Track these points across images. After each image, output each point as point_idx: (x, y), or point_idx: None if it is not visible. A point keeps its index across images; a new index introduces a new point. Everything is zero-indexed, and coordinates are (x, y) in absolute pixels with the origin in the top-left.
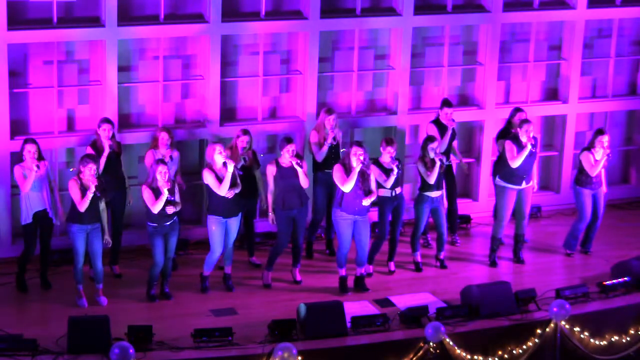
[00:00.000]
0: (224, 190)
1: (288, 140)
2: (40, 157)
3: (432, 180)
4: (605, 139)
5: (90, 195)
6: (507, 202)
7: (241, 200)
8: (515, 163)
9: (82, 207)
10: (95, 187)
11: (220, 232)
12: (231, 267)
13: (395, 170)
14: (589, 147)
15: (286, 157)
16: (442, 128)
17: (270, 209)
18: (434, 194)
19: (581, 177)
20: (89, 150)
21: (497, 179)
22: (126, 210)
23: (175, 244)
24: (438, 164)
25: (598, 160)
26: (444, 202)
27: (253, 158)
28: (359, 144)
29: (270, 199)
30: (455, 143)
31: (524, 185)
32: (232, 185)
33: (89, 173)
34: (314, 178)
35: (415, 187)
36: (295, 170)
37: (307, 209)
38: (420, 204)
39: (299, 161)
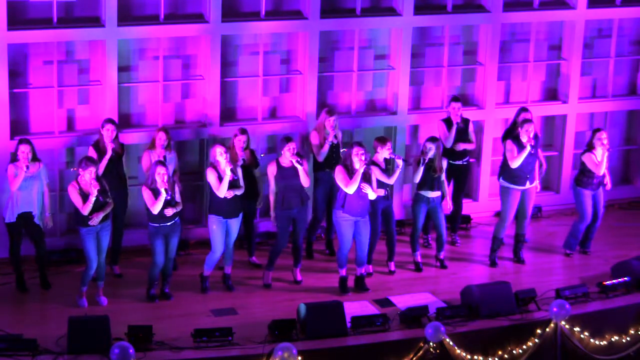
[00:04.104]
0: (222, 192)
1: (288, 139)
2: (35, 158)
3: (415, 178)
4: (603, 135)
5: (92, 199)
6: (511, 203)
7: (241, 201)
8: (515, 163)
9: (86, 211)
10: (98, 191)
11: (221, 231)
12: (231, 267)
13: (401, 163)
14: (589, 149)
15: (287, 155)
16: (451, 126)
17: (272, 209)
18: (430, 194)
19: (582, 178)
20: (91, 151)
21: (502, 179)
22: (127, 211)
23: (176, 244)
24: (421, 165)
25: (601, 160)
26: (450, 203)
27: (251, 157)
28: (360, 144)
29: (273, 199)
30: (448, 185)
31: (527, 185)
32: (234, 186)
33: (89, 177)
34: (315, 178)
35: (415, 187)
36: (296, 170)
37: (307, 209)
38: (416, 203)
39: (298, 159)
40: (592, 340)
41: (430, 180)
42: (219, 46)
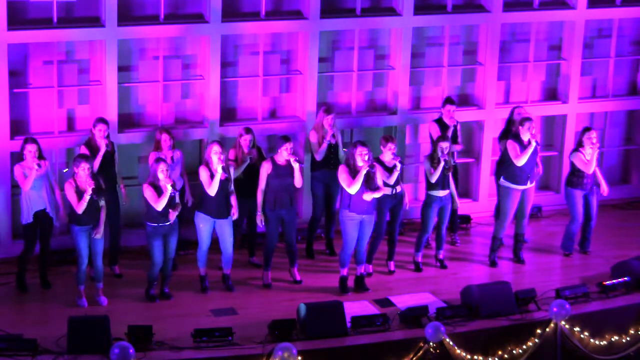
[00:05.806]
0: (212, 190)
1: (286, 138)
2: (41, 157)
3: (433, 179)
4: (593, 134)
5: (87, 197)
6: (512, 203)
7: (245, 200)
8: (521, 161)
9: (80, 209)
10: (92, 189)
11: (208, 229)
12: (230, 269)
13: (399, 166)
14: (578, 148)
15: (284, 154)
16: (444, 127)
17: (259, 209)
18: (441, 193)
19: (572, 179)
20: (83, 150)
21: (502, 179)
22: (125, 211)
23: (175, 244)
24: (442, 164)
25: (590, 158)
26: (458, 201)
27: (258, 155)
28: (363, 144)
29: (261, 198)
30: (453, 184)
31: (528, 184)
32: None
33: (84, 173)
34: (313, 177)
35: (416, 187)
36: (291, 170)
37: (295, 210)
38: (428, 205)
39: (297, 158)
40: (592, 340)
41: (442, 180)
42: (219, 46)
